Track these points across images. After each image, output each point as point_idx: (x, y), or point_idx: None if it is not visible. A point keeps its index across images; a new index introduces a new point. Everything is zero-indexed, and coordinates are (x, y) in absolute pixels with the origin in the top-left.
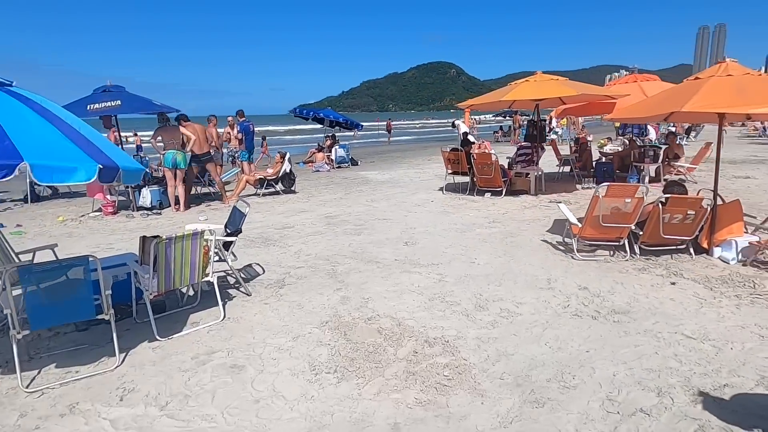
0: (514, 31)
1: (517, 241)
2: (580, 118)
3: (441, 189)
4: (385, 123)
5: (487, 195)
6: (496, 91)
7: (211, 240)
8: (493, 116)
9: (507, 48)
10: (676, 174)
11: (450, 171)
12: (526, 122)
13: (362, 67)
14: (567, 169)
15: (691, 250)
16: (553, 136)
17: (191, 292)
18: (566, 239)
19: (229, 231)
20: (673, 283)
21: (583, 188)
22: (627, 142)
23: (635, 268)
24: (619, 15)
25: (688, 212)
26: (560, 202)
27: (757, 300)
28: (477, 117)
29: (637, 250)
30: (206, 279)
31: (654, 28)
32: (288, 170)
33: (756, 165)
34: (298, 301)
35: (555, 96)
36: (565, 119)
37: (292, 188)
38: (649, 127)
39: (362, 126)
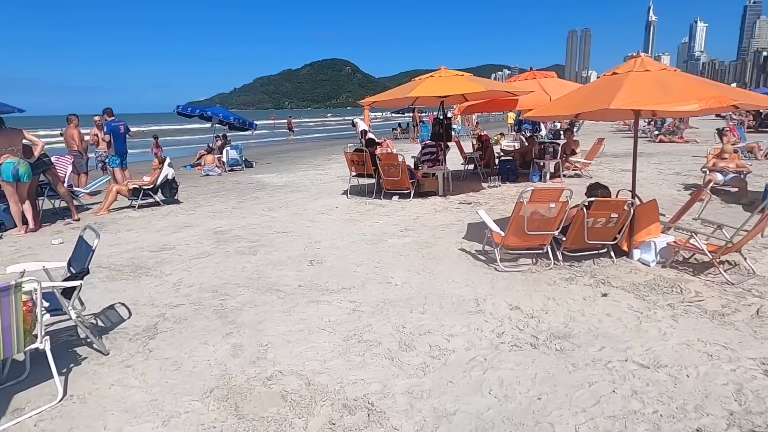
0: (405, 30)
1: (434, 253)
2: (473, 115)
3: (345, 193)
4: (284, 121)
5: (395, 198)
6: (400, 87)
7: (37, 291)
8: (392, 113)
9: (400, 46)
10: (573, 169)
11: (354, 173)
12: (429, 120)
13: (255, 64)
14: (471, 167)
15: (612, 254)
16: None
17: (21, 357)
18: (486, 247)
19: (73, 271)
20: (605, 295)
21: (489, 187)
22: (523, 138)
23: (562, 278)
24: (501, 16)
25: (612, 215)
26: (475, 206)
27: (690, 309)
28: (376, 114)
29: (560, 257)
30: (33, 346)
31: (530, 28)
32: (169, 177)
33: (642, 158)
34: (173, 357)
35: (462, 92)
36: (459, 116)
37: (175, 198)
38: (540, 123)
39: (256, 125)
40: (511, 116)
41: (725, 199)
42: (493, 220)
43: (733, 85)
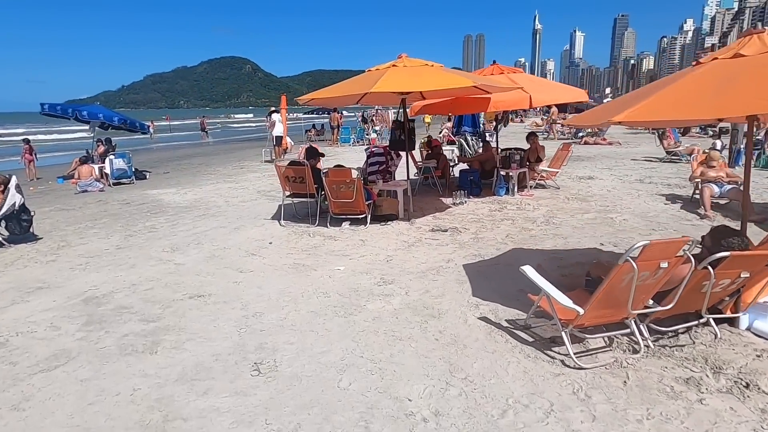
0: (307, 31)
1: (448, 330)
2: (391, 114)
3: (276, 217)
4: (197, 122)
5: (345, 225)
6: (353, 80)
7: None
8: (305, 113)
9: (302, 47)
10: (539, 180)
11: (289, 193)
12: (359, 121)
13: (146, 60)
14: (418, 178)
15: (713, 324)
16: (374, 136)
17: None
18: (531, 320)
19: None
20: None
21: (454, 204)
22: (466, 143)
23: (676, 378)
24: (405, 20)
25: (742, 274)
26: (453, 233)
27: None
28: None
29: (646, 333)
30: None
31: (430, 33)
32: (17, 206)
33: (583, 163)
34: None
35: (441, 87)
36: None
37: (29, 232)
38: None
39: (148, 127)
40: (428, 118)
41: (728, 215)
42: (496, 258)
43: (607, 90)
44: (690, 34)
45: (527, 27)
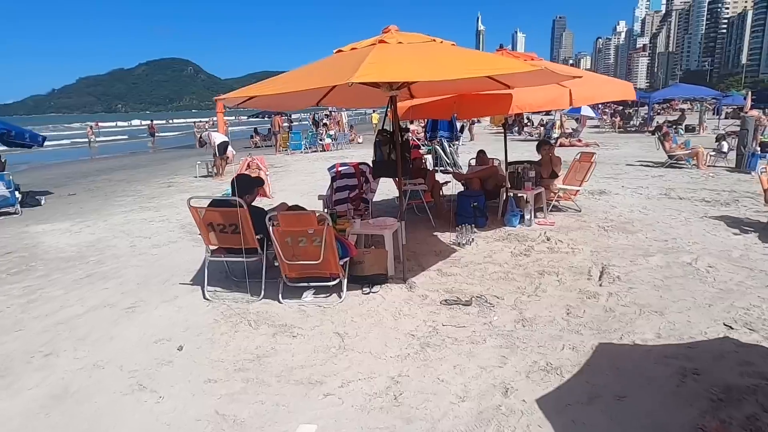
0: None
1: None
2: (344, 116)
3: (199, 281)
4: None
5: (308, 296)
6: (306, 68)
7: None
8: (248, 117)
9: (246, 48)
10: (556, 200)
11: (214, 247)
12: (333, 122)
13: (79, 61)
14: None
15: None
16: (328, 141)
17: None
18: None
19: None
20: None
21: (461, 244)
22: (443, 151)
23: None
24: (350, 23)
25: None
26: (481, 305)
27: None
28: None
29: None
30: None
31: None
32: None
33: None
34: None
35: (472, 76)
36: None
37: None
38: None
39: (44, 139)
40: (375, 117)
41: None
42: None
43: None
44: (623, 35)
45: (470, 29)
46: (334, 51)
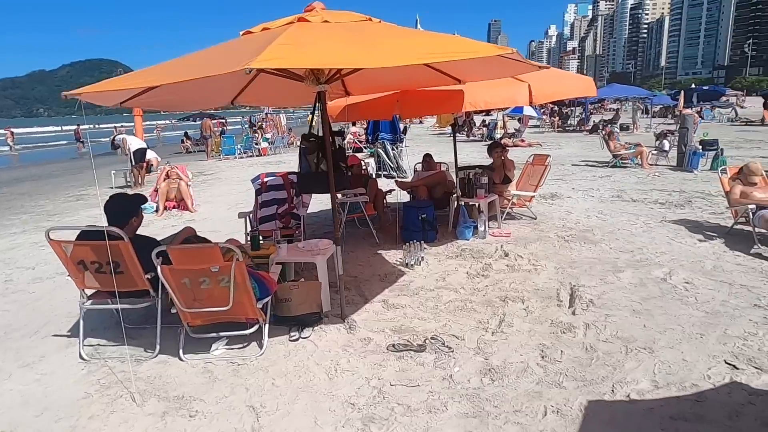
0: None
1: None
2: (283, 118)
3: (75, 331)
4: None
5: (218, 348)
6: (199, 54)
7: None
8: (179, 120)
9: (180, 45)
10: (510, 207)
11: (91, 291)
12: (270, 126)
13: None
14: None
15: None
16: (264, 145)
17: None
18: None
19: None
20: None
21: (408, 265)
22: (385, 155)
23: None
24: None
25: None
26: (438, 350)
27: None
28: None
29: None
30: None
31: None
32: None
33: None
34: None
35: (418, 62)
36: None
37: None
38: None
39: None
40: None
41: None
42: None
43: None
44: (554, 38)
45: None
46: (241, 33)
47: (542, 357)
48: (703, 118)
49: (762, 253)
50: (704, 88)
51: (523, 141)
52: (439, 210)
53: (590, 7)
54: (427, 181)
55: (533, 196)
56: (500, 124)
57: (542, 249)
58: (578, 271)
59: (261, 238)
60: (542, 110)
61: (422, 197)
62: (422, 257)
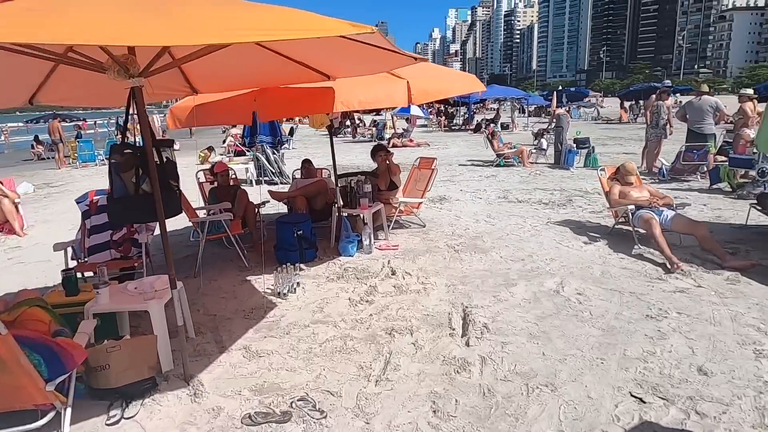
0: None
1: None
2: (156, 119)
3: None
4: None
5: None
6: None
7: None
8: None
9: None
10: (398, 215)
11: None
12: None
13: None
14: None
15: None
16: None
17: None
18: None
19: None
20: None
21: (280, 295)
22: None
23: None
24: None
25: None
26: None
27: None
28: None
29: None
30: None
31: None
32: None
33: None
34: None
35: (243, 41)
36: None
37: None
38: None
39: None
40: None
41: (698, 258)
42: None
43: None
44: (438, 41)
45: None
46: None
47: (434, 412)
48: (572, 117)
49: (642, 253)
50: (571, 89)
51: (411, 141)
52: (323, 222)
53: (469, 12)
54: (306, 191)
55: (421, 203)
56: (389, 124)
57: (432, 263)
58: (470, 287)
59: (83, 276)
60: (429, 110)
61: (300, 209)
62: (297, 283)
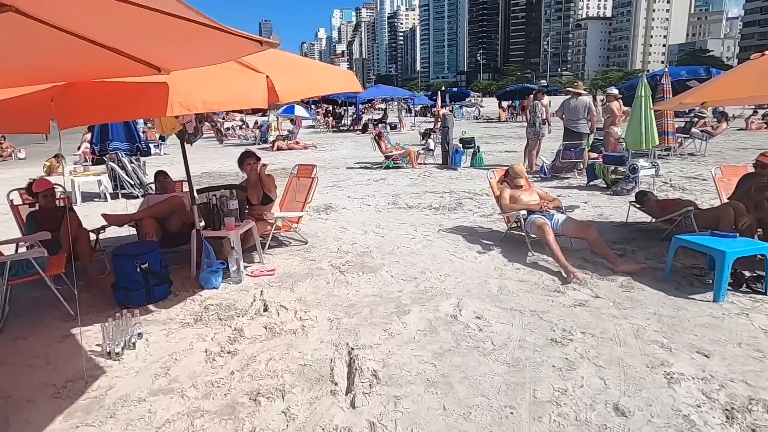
0: None
1: None
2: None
3: None
4: None
5: None
6: None
7: None
8: None
9: None
10: (274, 232)
11: None
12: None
13: None
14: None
15: None
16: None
17: None
18: None
19: None
20: None
21: (118, 354)
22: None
23: None
24: None
25: None
26: None
27: None
28: None
29: None
30: None
31: None
32: None
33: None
34: None
35: None
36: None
37: None
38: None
39: None
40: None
41: (594, 268)
42: None
43: None
44: (324, 41)
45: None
46: None
47: None
48: (456, 117)
49: (537, 261)
50: (454, 90)
51: (298, 143)
52: (183, 247)
53: (354, 13)
54: (156, 211)
55: (301, 217)
56: (274, 125)
57: (313, 290)
58: (357, 320)
59: None
60: (316, 110)
61: (149, 234)
62: (138, 334)
